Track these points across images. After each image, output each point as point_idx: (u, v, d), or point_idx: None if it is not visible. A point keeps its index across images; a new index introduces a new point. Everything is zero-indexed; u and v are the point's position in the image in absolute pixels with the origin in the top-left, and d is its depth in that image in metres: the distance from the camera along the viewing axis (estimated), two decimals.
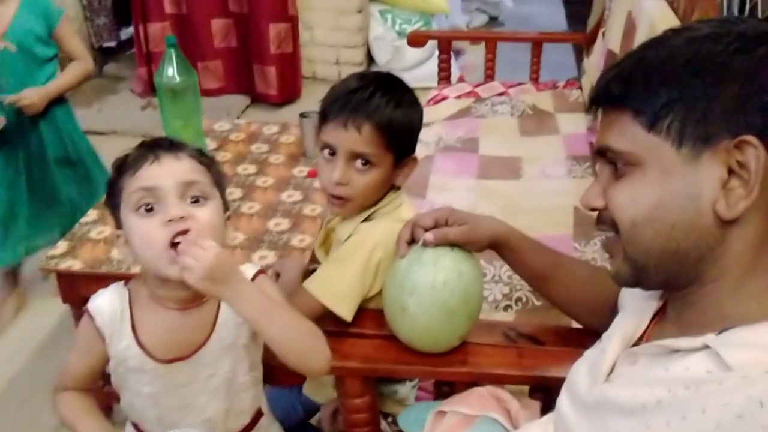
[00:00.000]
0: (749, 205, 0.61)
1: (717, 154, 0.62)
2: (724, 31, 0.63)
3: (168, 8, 3.46)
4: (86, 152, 2.23)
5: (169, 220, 0.87)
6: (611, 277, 0.74)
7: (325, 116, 1.08)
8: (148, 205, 0.88)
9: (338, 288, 1.10)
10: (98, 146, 2.34)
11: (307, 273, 1.24)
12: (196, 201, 0.90)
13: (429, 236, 0.99)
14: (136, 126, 3.27)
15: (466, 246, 1.02)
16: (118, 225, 0.94)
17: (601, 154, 0.71)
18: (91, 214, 1.70)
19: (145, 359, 0.96)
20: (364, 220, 1.13)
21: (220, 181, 0.96)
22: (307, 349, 0.92)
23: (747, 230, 0.63)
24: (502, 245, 1.04)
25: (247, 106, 3.57)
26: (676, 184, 0.64)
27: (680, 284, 0.69)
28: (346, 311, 1.09)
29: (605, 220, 0.71)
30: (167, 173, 0.89)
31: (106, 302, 0.97)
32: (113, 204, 0.93)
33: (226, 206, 0.97)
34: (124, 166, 0.92)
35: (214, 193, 0.94)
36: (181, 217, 0.87)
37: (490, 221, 1.05)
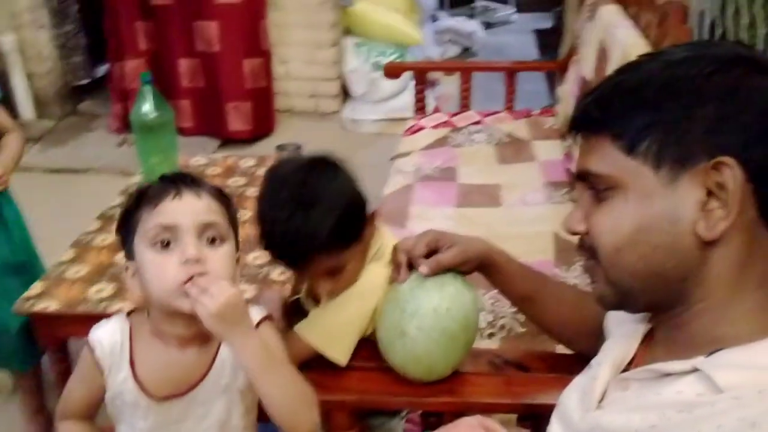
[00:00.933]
0: (729, 226, 0.61)
1: (695, 175, 0.62)
2: (699, 54, 0.65)
3: (143, 45, 3.46)
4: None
5: (186, 261, 0.86)
6: (595, 300, 0.74)
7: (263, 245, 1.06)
8: (165, 241, 0.88)
9: (332, 332, 1.08)
10: (74, 185, 2.31)
11: (287, 305, 1.23)
12: (212, 242, 0.90)
13: (424, 268, 0.99)
14: (112, 163, 3.25)
15: (459, 268, 1.02)
16: (129, 255, 0.93)
17: (582, 178, 0.71)
18: (68, 253, 1.67)
19: (140, 395, 0.94)
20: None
21: (235, 221, 0.96)
22: (296, 411, 0.91)
23: (729, 250, 0.63)
24: (489, 266, 1.04)
25: (218, 147, 3.53)
26: (656, 207, 0.64)
27: (665, 306, 0.69)
28: (340, 354, 1.07)
29: (585, 245, 0.72)
30: (188, 211, 0.89)
31: (106, 334, 0.96)
32: (126, 234, 0.93)
33: (237, 245, 0.97)
34: (145, 197, 0.91)
35: (230, 234, 0.93)
36: (197, 260, 0.87)
37: (476, 241, 1.05)
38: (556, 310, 1.05)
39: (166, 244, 0.88)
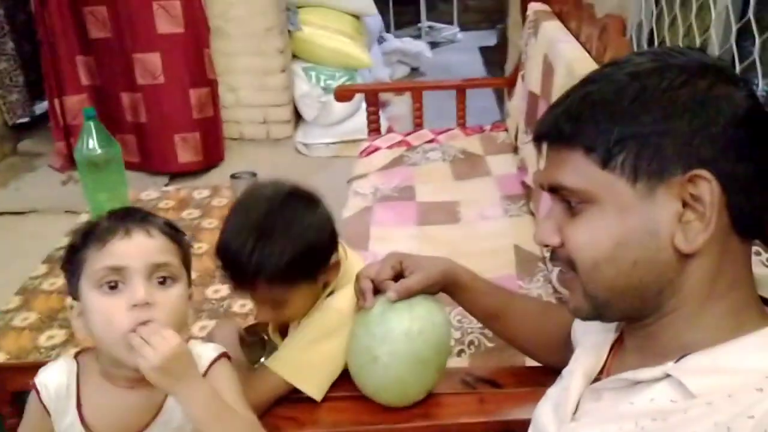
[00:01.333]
0: (708, 238, 0.61)
1: (671, 188, 0.62)
2: (665, 64, 0.64)
3: (84, 79, 3.37)
4: None
5: (134, 305, 0.83)
6: (571, 311, 0.73)
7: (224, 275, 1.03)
8: (112, 282, 0.84)
9: (307, 366, 1.05)
10: (18, 228, 2.23)
11: (242, 337, 1.20)
12: (163, 282, 0.86)
13: (391, 294, 0.97)
14: (57, 203, 3.14)
15: (427, 291, 1.00)
16: (74, 295, 0.88)
17: (553, 191, 0.69)
18: (14, 300, 1.60)
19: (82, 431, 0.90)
20: (328, 295, 1.08)
21: (188, 258, 0.92)
22: None
23: (705, 260, 0.63)
24: (454, 285, 1.03)
25: (168, 182, 3.43)
26: (634, 221, 0.63)
27: (640, 316, 0.68)
28: (315, 390, 1.04)
29: (562, 258, 0.70)
30: (137, 252, 0.85)
31: (52, 376, 0.92)
32: (71, 272, 0.88)
33: (189, 282, 0.93)
34: (92, 236, 0.86)
35: (182, 273, 0.89)
36: (147, 303, 0.83)
37: (441, 262, 1.04)
38: (522, 325, 1.05)
39: (113, 286, 0.84)
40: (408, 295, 0.98)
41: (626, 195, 0.63)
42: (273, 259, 0.96)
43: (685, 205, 0.62)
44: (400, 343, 0.96)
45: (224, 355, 0.95)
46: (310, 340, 1.05)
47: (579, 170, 0.65)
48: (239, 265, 0.98)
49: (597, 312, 0.70)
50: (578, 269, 0.67)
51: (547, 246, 0.72)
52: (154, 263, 0.85)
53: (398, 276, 1.00)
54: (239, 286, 1.02)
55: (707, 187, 0.60)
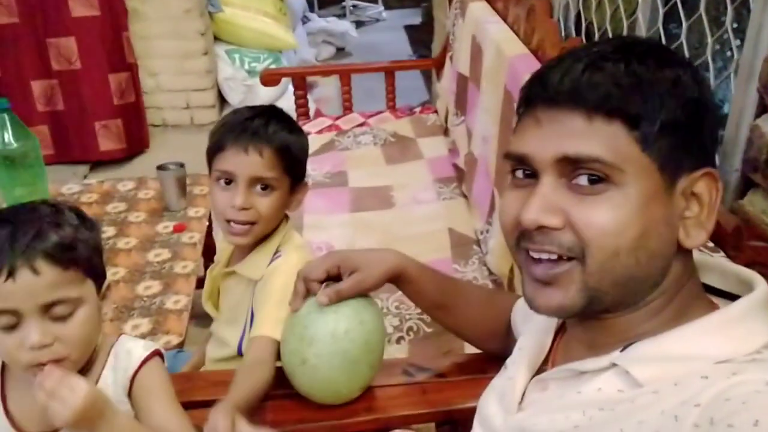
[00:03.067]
0: (708, 237, 0.62)
1: (684, 183, 0.61)
2: (679, 56, 0.64)
3: None
4: None
5: (30, 348, 0.79)
6: (552, 310, 0.66)
7: (220, 145, 1.09)
8: (7, 325, 0.79)
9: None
10: None
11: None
12: (61, 317, 0.81)
13: (322, 298, 0.94)
14: None
15: (363, 292, 0.99)
16: None
17: (565, 163, 0.61)
18: None
19: (9, 429, 0.87)
20: (273, 259, 1.12)
21: (92, 264, 0.85)
22: None
23: (685, 256, 0.64)
24: (398, 278, 1.00)
25: (89, 172, 3.29)
26: (658, 211, 0.60)
27: (613, 309, 0.65)
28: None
29: (559, 242, 0.62)
30: (25, 294, 0.79)
31: None
32: None
33: (101, 280, 0.88)
34: None
35: (84, 293, 0.84)
36: (44, 346, 0.80)
37: (385, 256, 1.00)
38: (466, 314, 1.04)
39: (11, 326, 0.80)
40: (339, 299, 0.95)
41: (655, 182, 0.60)
42: (285, 132, 1.10)
43: (688, 201, 0.62)
44: (326, 344, 0.95)
45: (156, 353, 0.93)
46: (278, 300, 1.07)
47: (615, 144, 0.59)
48: (253, 128, 1.07)
49: (586, 309, 0.64)
50: (591, 257, 0.61)
51: (541, 227, 0.62)
52: (45, 303, 0.80)
53: (336, 277, 0.98)
54: (244, 147, 1.06)
55: (713, 186, 0.61)
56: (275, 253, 1.13)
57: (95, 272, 0.86)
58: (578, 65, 0.61)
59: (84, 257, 0.83)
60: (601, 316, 0.66)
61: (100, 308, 0.88)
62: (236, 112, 1.14)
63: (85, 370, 0.89)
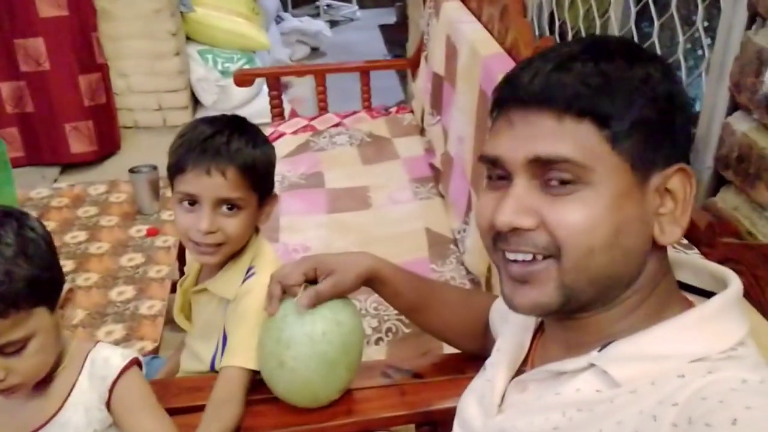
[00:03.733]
0: (683, 233, 0.62)
1: (658, 179, 0.61)
2: (651, 55, 0.64)
3: None
4: None
5: None
6: (521, 308, 0.66)
7: (179, 166, 1.02)
8: None
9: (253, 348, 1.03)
10: None
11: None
12: (11, 354, 0.80)
13: (304, 301, 0.94)
14: None
15: (340, 295, 0.98)
16: None
17: (536, 164, 0.61)
18: None
19: None
20: (246, 277, 1.07)
21: (37, 293, 0.81)
22: None
23: (660, 253, 0.64)
24: (373, 280, 1.00)
25: (60, 174, 3.25)
26: (631, 209, 0.61)
27: (589, 308, 0.65)
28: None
29: (533, 242, 0.62)
30: None
31: None
32: None
33: (56, 296, 0.85)
34: None
35: (31, 328, 0.81)
36: None
37: (360, 259, 1.00)
38: (443, 315, 1.04)
39: None
40: (319, 302, 0.95)
41: (627, 180, 0.60)
42: (248, 148, 1.03)
43: (662, 197, 0.62)
44: (303, 346, 0.94)
45: (134, 362, 0.92)
46: (252, 327, 1.03)
47: (585, 144, 0.60)
48: (215, 147, 1.00)
49: (563, 306, 0.64)
50: (566, 255, 0.61)
51: (514, 228, 0.63)
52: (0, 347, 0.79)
53: (312, 281, 0.98)
54: (206, 168, 1.00)
55: (687, 182, 0.61)
56: (248, 270, 1.08)
57: (44, 298, 0.83)
58: (547, 66, 0.62)
59: (26, 295, 0.79)
60: (578, 315, 0.66)
61: (57, 324, 0.86)
62: (196, 126, 1.05)
63: (57, 376, 0.88)
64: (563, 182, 0.60)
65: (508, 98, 0.64)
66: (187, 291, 1.15)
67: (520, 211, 0.62)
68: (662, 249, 0.65)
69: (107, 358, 0.90)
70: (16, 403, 0.87)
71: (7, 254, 0.78)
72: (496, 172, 0.66)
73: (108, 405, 0.89)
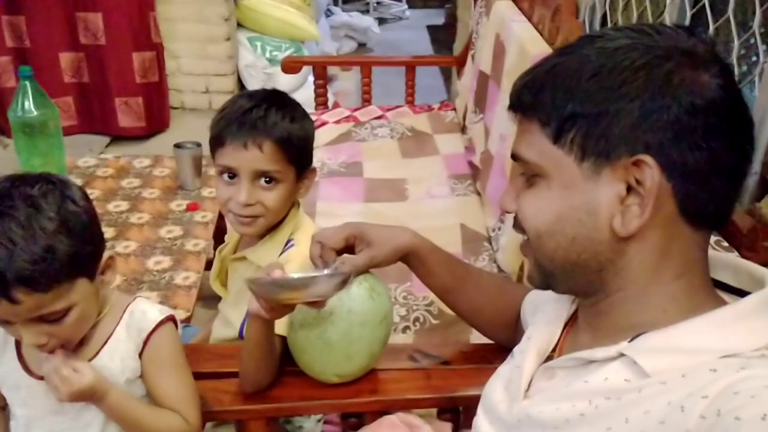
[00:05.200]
0: (642, 224, 0.61)
1: (616, 170, 0.61)
2: (635, 43, 0.63)
3: (9, 42, 3.18)
4: None
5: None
6: (526, 277, 0.75)
7: (219, 140, 1.05)
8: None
9: None
10: None
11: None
12: (53, 320, 0.83)
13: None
14: None
15: (375, 267, 0.99)
16: None
17: (515, 159, 0.70)
18: None
19: (22, 374, 0.90)
20: (285, 248, 1.10)
21: (78, 264, 0.82)
22: None
23: (645, 245, 0.63)
24: (410, 257, 1.01)
25: (108, 144, 3.34)
26: (576, 199, 0.64)
27: (585, 293, 0.70)
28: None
29: (518, 225, 0.72)
30: (13, 313, 0.80)
31: None
32: None
33: (96, 265, 0.87)
34: None
35: (72, 300, 0.83)
36: (40, 345, 0.84)
37: (399, 234, 1.01)
38: (476, 300, 1.04)
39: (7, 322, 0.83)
40: (355, 273, 0.96)
41: (572, 173, 0.64)
42: (285, 122, 1.04)
43: (629, 189, 0.62)
44: (329, 321, 0.96)
45: (170, 318, 0.94)
46: None
47: (533, 143, 0.66)
48: (252, 121, 1.02)
49: (546, 281, 0.72)
50: (528, 237, 0.70)
51: (508, 212, 0.73)
52: (36, 317, 0.81)
53: (351, 248, 0.99)
54: (243, 142, 1.02)
55: (648, 173, 0.60)
56: (288, 242, 1.11)
57: (85, 270, 0.84)
58: (523, 73, 0.69)
59: (67, 269, 0.80)
60: (590, 300, 0.70)
61: (97, 290, 0.88)
62: (235, 101, 1.08)
63: (96, 324, 0.91)
64: (530, 175, 0.68)
65: (509, 101, 0.72)
66: (226, 258, 1.18)
67: (510, 197, 0.72)
68: (653, 240, 0.63)
69: (145, 311, 0.93)
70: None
71: (49, 228, 0.78)
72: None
73: (141, 356, 0.92)
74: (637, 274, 0.65)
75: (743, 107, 0.63)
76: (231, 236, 1.22)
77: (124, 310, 0.93)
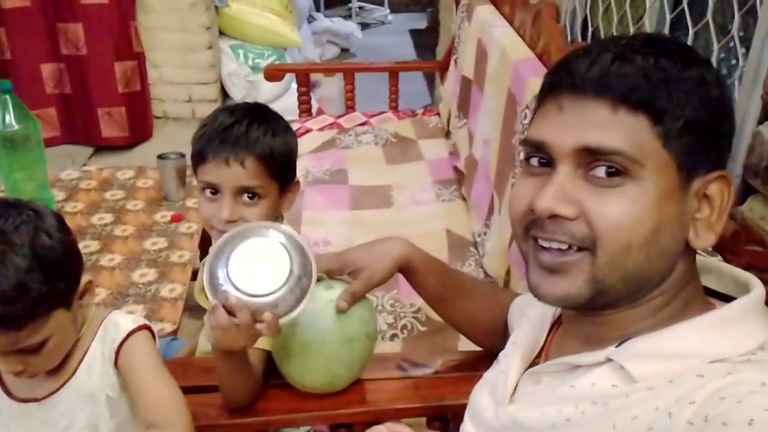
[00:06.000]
0: (716, 239, 0.62)
1: (698, 183, 0.62)
2: (702, 57, 0.63)
3: None
4: None
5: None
6: (556, 298, 0.65)
7: (201, 156, 1.04)
8: None
9: None
10: None
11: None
12: (30, 351, 0.83)
13: (342, 304, 0.94)
14: None
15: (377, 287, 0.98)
16: None
17: (584, 153, 0.61)
18: None
19: (1, 396, 0.89)
20: None
21: (54, 300, 0.82)
22: None
23: (689, 257, 0.64)
24: (405, 269, 1.00)
25: (91, 155, 3.32)
26: (672, 209, 0.61)
27: (616, 304, 0.65)
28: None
29: (571, 232, 0.62)
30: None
31: None
32: None
33: (73, 294, 0.86)
34: None
35: (48, 332, 0.82)
36: (17, 372, 0.84)
37: (390, 248, 0.99)
38: (468, 309, 1.04)
39: None
40: (355, 301, 0.95)
41: (672, 179, 0.60)
42: (267, 137, 1.04)
43: (701, 202, 0.62)
44: (314, 335, 0.96)
45: (144, 327, 0.93)
46: None
47: (637, 138, 0.59)
48: (233, 137, 1.01)
49: (591, 300, 0.63)
50: (602, 249, 0.60)
51: (554, 216, 0.62)
52: (19, 348, 0.81)
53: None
54: (225, 159, 1.01)
55: (726, 190, 0.62)
56: None
57: (61, 302, 0.84)
58: (607, 55, 0.61)
59: (41, 306, 0.80)
60: (602, 311, 0.66)
61: (75, 316, 0.87)
62: (216, 116, 1.07)
63: (75, 343, 0.90)
64: (610, 174, 0.60)
65: (562, 83, 0.63)
66: None
67: (561, 198, 0.61)
68: (692, 253, 0.65)
69: (118, 323, 0.92)
70: None
71: (22, 266, 0.76)
72: (537, 158, 0.65)
73: (117, 366, 0.91)
74: (673, 285, 0.64)
75: None
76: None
77: (99, 325, 0.92)
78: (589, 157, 0.61)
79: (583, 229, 0.61)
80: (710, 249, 0.90)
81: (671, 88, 0.59)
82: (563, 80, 0.63)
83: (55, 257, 0.80)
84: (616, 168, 0.60)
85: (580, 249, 0.62)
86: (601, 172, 0.60)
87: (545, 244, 0.63)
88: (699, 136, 0.60)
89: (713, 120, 0.61)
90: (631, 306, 0.65)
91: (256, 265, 0.83)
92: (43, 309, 0.79)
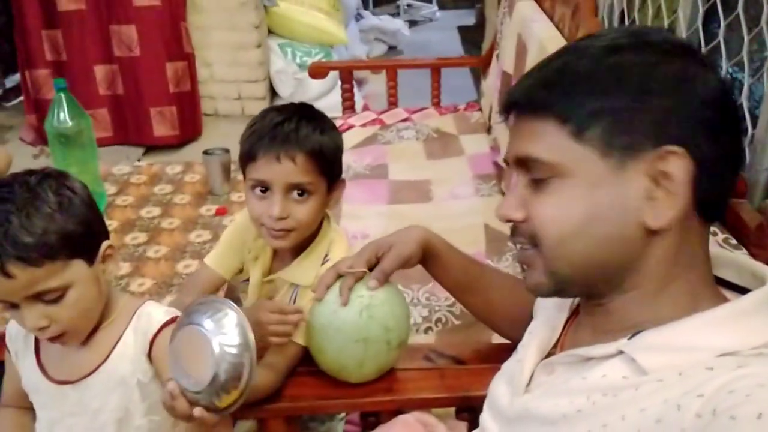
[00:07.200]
0: (676, 216, 0.61)
1: (641, 164, 0.61)
2: (641, 41, 0.64)
3: (48, 55, 3.30)
4: None
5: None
6: (528, 289, 0.72)
7: (251, 155, 1.05)
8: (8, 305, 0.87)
9: None
10: None
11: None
12: (52, 301, 0.87)
13: (372, 282, 0.98)
14: None
15: (405, 266, 1.01)
16: None
17: (520, 164, 0.68)
18: None
19: (41, 378, 0.95)
20: (323, 264, 1.11)
21: (74, 245, 0.86)
22: None
23: (666, 240, 0.63)
24: (427, 254, 1.02)
25: (143, 154, 3.43)
26: (604, 196, 0.63)
27: (599, 293, 0.68)
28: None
29: (523, 233, 0.69)
30: (10, 290, 0.84)
31: (17, 325, 0.97)
32: None
33: (95, 251, 0.91)
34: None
35: (68, 279, 0.86)
36: (41, 327, 0.87)
37: (413, 230, 1.03)
38: (490, 298, 1.05)
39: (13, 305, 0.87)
40: (385, 278, 0.99)
41: (598, 169, 0.62)
42: (316, 134, 1.05)
43: (653, 182, 0.62)
44: (345, 326, 0.99)
45: (176, 319, 0.96)
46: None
47: (551, 142, 0.64)
48: (283, 134, 1.03)
49: (557, 289, 0.69)
50: (543, 245, 0.67)
51: (510, 221, 0.70)
52: (27, 296, 0.85)
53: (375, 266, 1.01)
54: (276, 155, 1.03)
55: (679, 164, 0.60)
56: (325, 257, 1.12)
57: (80, 251, 0.88)
58: (529, 72, 0.69)
59: (60, 247, 0.84)
60: (599, 300, 0.68)
61: (97, 277, 0.91)
62: (264, 116, 1.09)
63: (105, 329, 0.95)
64: (539, 178, 0.66)
65: (505, 103, 0.71)
66: (258, 283, 1.17)
67: (513, 205, 0.69)
68: (673, 234, 0.63)
69: (151, 313, 0.96)
70: (69, 352, 0.95)
71: (45, 211, 0.84)
72: (511, 171, 0.72)
73: (150, 357, 0.95)
74: (654, 272, 0.64)
75: (735, 103, 0.65)
76: (251, 263, 1.19)
77: (133, 315, 0.96)
78: (525, 165, 0.67)
79: (529, 229, 0.68)
80: (735, 242, 0.90)
81: (567, 86, 0.64)
82: (505, 100, 0.71)
83: (76, 207, 0.87)
84: (541, 173, 0.66)
85: (533, 246, 0.68)
86: (535, 176, 0.67)
87: (511, 244, 0.69)
88: (612, 123, 0.62)
89: (632, 102, 0.61)
90: (621, 293, 0.66)
91: (193, 356, 0.84)
92: (62, 250, 0.84)
